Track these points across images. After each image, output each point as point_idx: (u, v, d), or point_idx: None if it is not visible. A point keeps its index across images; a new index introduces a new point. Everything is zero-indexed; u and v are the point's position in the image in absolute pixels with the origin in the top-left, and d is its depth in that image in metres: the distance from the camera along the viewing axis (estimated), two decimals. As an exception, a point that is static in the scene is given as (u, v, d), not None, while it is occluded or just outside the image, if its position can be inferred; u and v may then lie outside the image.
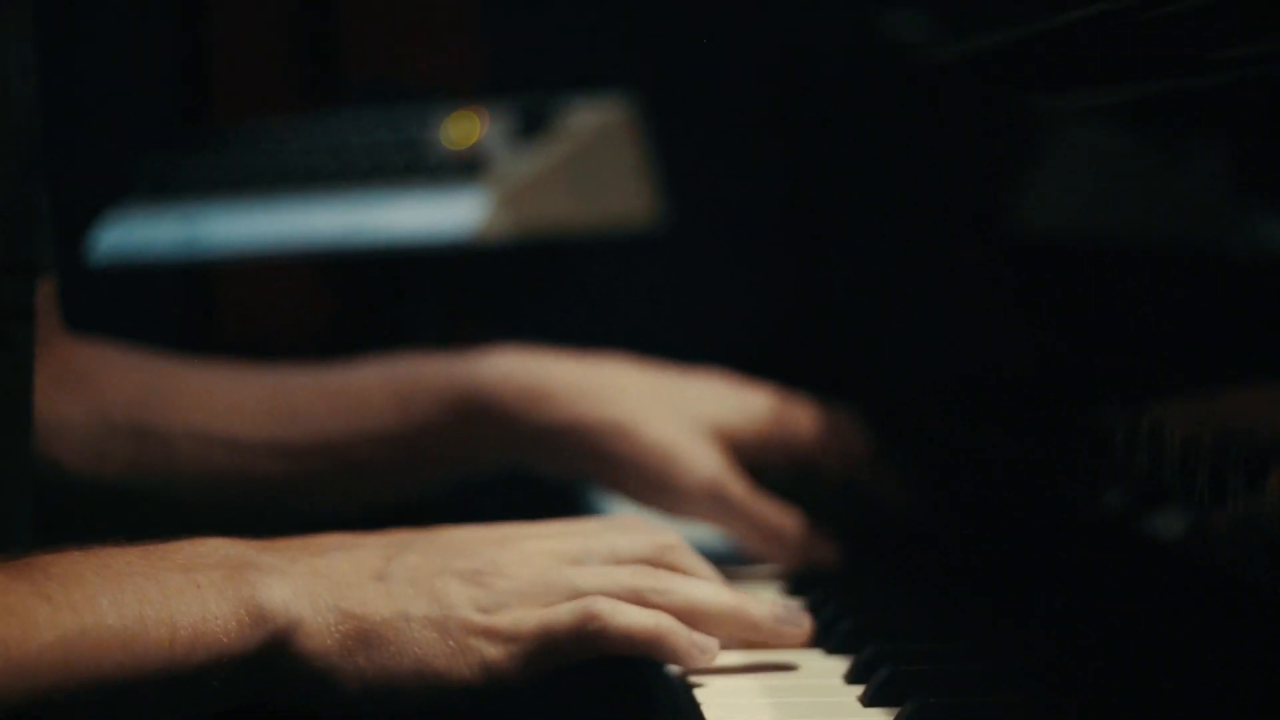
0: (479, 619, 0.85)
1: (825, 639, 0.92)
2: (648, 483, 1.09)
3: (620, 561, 0.90)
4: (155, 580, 0.80)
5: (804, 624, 0.90)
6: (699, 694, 0.84)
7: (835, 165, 1.64)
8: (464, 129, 1.61)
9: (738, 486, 1.08)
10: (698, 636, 0.87)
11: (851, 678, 0.87)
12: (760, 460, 1.12)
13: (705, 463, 1.08)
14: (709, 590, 0.89)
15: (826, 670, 0.89)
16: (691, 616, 0.88)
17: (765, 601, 0.90)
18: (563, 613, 0.85)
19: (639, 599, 0.87)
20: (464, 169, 1.55)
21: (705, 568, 0.93)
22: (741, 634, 0.89)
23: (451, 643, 0.84)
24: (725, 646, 0.89)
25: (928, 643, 0.91)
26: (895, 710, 0.80)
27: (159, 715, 0.80)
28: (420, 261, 1.68)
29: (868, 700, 0.83)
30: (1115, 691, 0.82)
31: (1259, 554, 0.79)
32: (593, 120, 1.62)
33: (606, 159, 1.63)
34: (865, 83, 1.53)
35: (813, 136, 1.71)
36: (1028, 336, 1.15)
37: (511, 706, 0.87)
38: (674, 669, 0.87)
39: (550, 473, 1.14)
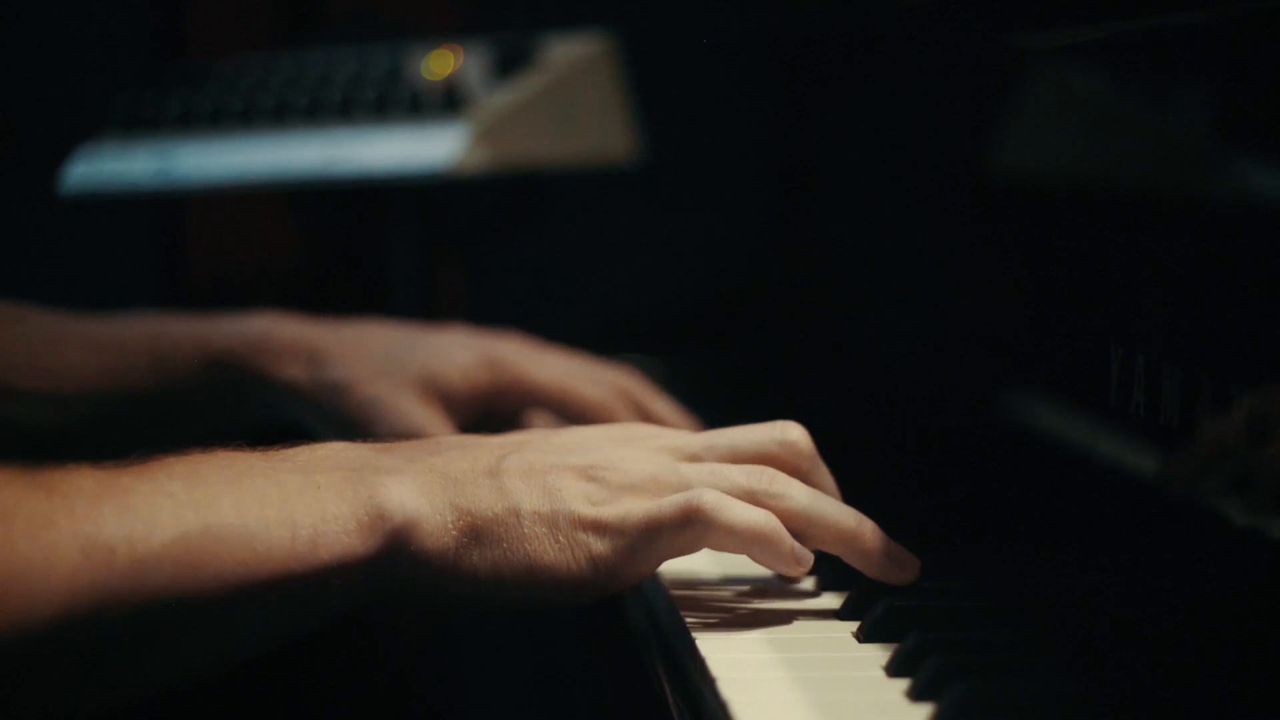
0: (588, 512, 0.84)
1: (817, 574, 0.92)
2: (355, 439, 1.13)
3: (740, 458, 0.89)
4: (276, 481, 0.80)
5: (913, 567, 0.88)
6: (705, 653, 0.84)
7: (812, 102, 1.64)
8: (443, 64, 1.60)
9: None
10: (798, 547, 0.86)
11: (844, 614, 0.88)
12: (495, 408, 1.17)
13: (406, 417, 1.14)
14: (826, 502, 0.87)
15: (823, 608, 0.89)
16: (803, 524, 0.86)
17: (880, 533, 0.88)
18: (667, 505, 0.84)
19: (753, 499, 0.86)
20: (443, 104, 1.54)
21: (827, 476, 0.92)
22: (848, 557, 0.88)
23: (561, 537, 0.84)
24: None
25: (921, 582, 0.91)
26: (892, 646, 0.80)
27: (277, 621, 0.80)
28: (396, 193, 1.68)
29: (864, 636, 0.84)
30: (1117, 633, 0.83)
31: (1261, 497, 0.80)
32: (571, 54, 1.62)
33: (584, 93, 1.62)
34: (843, 21, 1.53)
35: (790, 73, 1.71)
36: (1007, 280, 1.15)
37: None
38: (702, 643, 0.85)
39: (307, 429, 1.18)
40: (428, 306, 1.70)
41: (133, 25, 1.88)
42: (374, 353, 1.17)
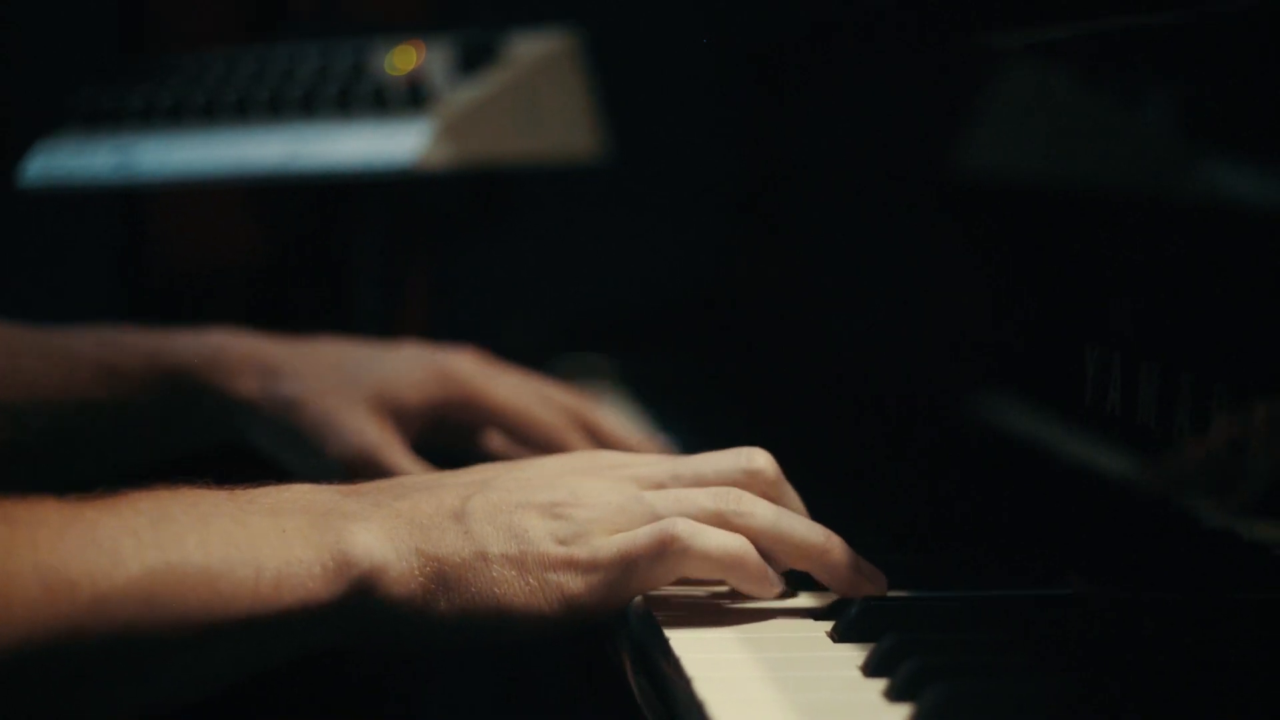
0: (558, 551, 0.84)
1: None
2: (307, 454, 1.14)
3: (705, 485, 0.88)
4: (241, 523, 0.79)
5: (881, 583, 0.88)
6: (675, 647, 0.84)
7: (780, 102, 1.63)
8: (406, 60, 1.59)
9: (391, 454, 1.13)
10: (768, 569, 0.86)
11: (818, 613, 0.87)
12: (446, 423, 1.18)
13: (358, 432, 1.13)
14: (793, 520, 0.87)
15: (796, 607, 0.89)
16: (770, 543, 0.86)
17: (848, 548, 0.88)
18: (641, 536, 0.84)
19: (721, 522, 0.86)
20: (407, 100, 1.53)
21: (795, 497, 0.91)
22: (817, 573, 0.87)
23: (531, 579, 0.83)
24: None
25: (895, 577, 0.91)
26: (867, 646, 0.80)
27: (240, 660, 0.80)
28: (359, 189, 1.67)
29: (839, 636, 0.83)
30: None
31: (1239, 497, 0.80)
32: (536, 51, 1.61)
33: (550, 90, 1.62)
34: (812, 20, 1.52)
35: (758, 72, 1.70)
36: (980, 280, 1.15)
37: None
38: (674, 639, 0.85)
39: (257, 449, 1.18)
40: (390, 303, 1.69)
41: (95, 19, 1.86)
42: (327, 368, 1.17)
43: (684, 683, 0.78)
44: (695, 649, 0.82)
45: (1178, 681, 0.76)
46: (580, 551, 0.84)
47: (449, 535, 0.83)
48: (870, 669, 0.78)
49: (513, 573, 0.83)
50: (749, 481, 0.89)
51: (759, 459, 0.90)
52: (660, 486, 0.88)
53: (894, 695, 0.74)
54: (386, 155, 1.51)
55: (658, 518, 0.85)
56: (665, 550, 0.84)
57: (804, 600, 0.90)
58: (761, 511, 0.86)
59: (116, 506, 0.77)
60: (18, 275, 1.88)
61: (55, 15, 1.84)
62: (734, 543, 0.85)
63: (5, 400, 1.16)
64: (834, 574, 0.87)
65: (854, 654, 0.81)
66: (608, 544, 0.84)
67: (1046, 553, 0.95)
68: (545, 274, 1.70)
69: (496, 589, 0.83)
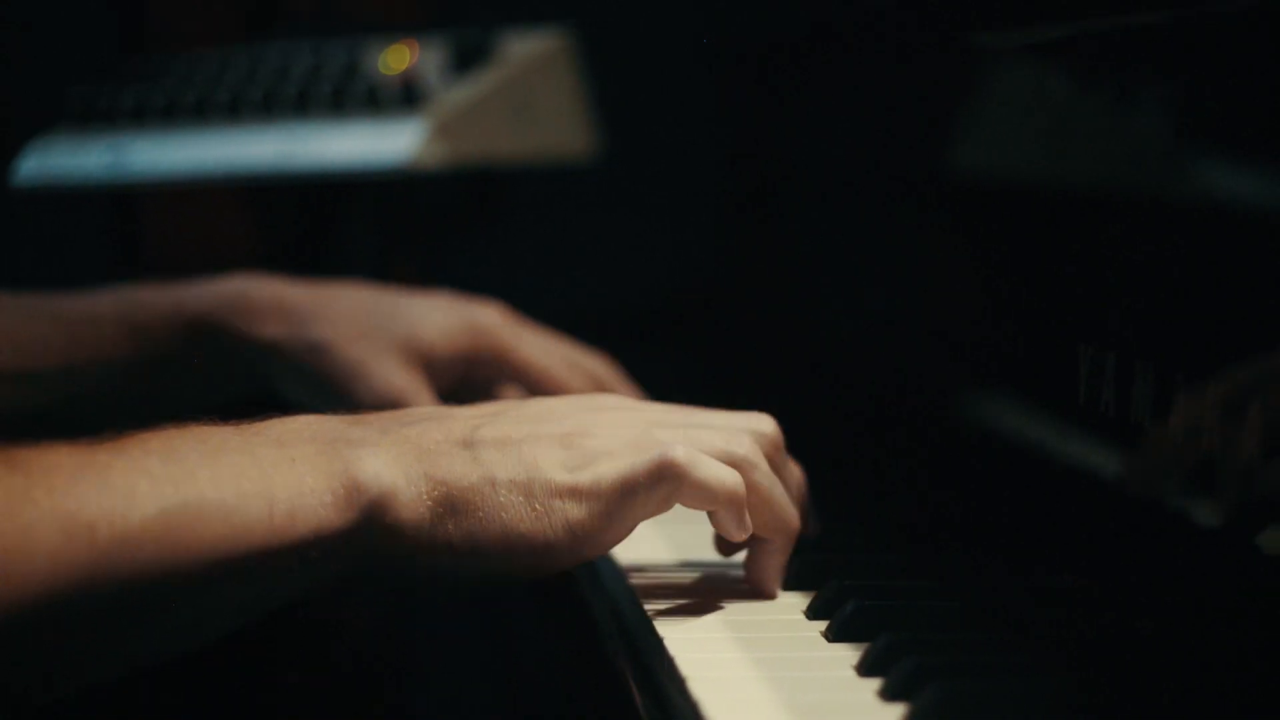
0: (564, 479, 0.84)
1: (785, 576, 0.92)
2: (335, 400, 1.13)
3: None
4: (251, 455, 0.79)
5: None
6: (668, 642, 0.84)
7: (773, 101, 1.63)
8: (399, 59, 1.59)
9: (421, 402, 1.13)
10: (746, 517, 0.87)
11: (811, 612, 0.87)
12: (472, 375, 1.17)
13: (387, 380, 1.13)
14: (782, 490, 0.89)
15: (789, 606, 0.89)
16: (760, 500, 0.88)
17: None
18: (640, 463, 0.85)
19: (728, 460, 0.86)
20: (401, 99, 1.53)
21: (797, 472, 0.93)
22: (773, 545, 0.89)
23: (538, 505, 0.83)
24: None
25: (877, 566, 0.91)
26: (861, 645, 0.80)
27: (258, 594, 0.80)
28: (352, 189, 1.67)
29: (833, 635, 0.83)
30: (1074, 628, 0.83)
31: (1232, 497, 0.80)
32: (530, 50, 1.61)
33: (543, 89, 1.62)
34: (804, 20, 1.52)
35: (751, 71, 1.70)
36: (974, 279, 1.15)
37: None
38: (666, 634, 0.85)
39: (285, 397, 1.17)
40: (383, 303, 1.69)
41: (91, 19, 1.86)
42: (355, 313, 1.16)
43: (678, 682, 0.78)
44: (689, 647, 0.82)
45: (1174, 680, 0.76)
46: (584, 478, 0.84)
47: (457, 461, 0.84)
48: (865, 669, 0.78)
49: (519, 498, 0.83)
50: (757, 441, 0.90)
51: (767, 423, 0.91)
52: (671, 426, 0.89)
53: (889, 695, 0.74)
54: (380, 154, 1.51)
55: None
56: (664, 474, 0.84)
57: (795, 599, 0.90)
58: (764, 466, 0.88)
59: (126, 448, 0.77)
60: (11, 274, 1.87)
61: (50, 14, 1.84)
62: (730, 476, 0.86)
63: (24, 367, 1.15)
64: (771, 556, 0.89)
65: (848, 653, 0.81)
66: (610, 469, 0.85)
67: (1041, 552, 0.95)
68: (539, 273, 1.70)
69: (504, 514, 0.83)
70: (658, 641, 0.83)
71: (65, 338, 1.16)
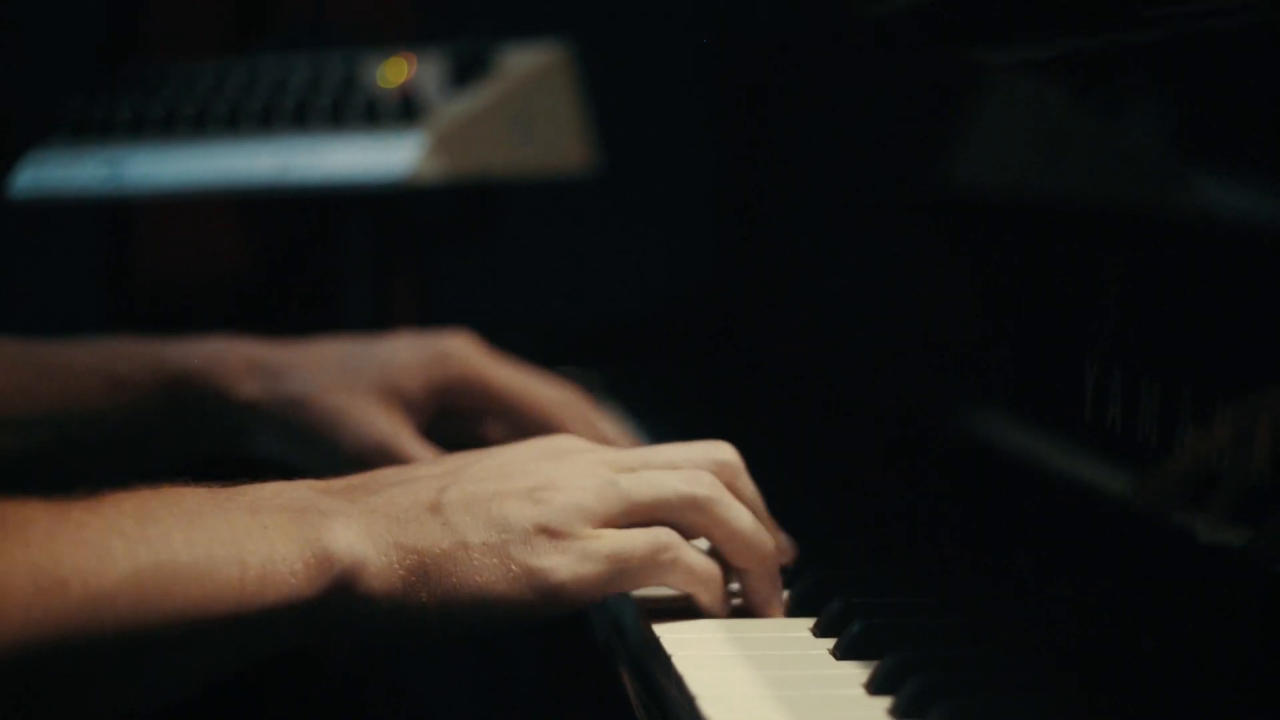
0: (543, 541, 0.84)
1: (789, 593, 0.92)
2: (322, 453, 1.15)
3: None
4: (224, 521, 0.80)
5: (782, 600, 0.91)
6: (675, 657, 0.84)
7: (770, 115, 1.63)
8: (398, 72, 1.59)
9: (404, 442, 1.14)
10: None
11: (817, 630, 0.87)
12: (450, 405, 1.18)
13: (369, 424, 1.14)
14: (753, 520, 0.89)
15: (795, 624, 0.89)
16: (730, 535, 0.88)
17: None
18: (638, 542, 0.85)
19: (692, 505, 0.87)
20: (400, 112, 1.53)
21: (754, 490, 0.92)
22: (748, 577, 0.90)
23: (514, 567, 0.84)
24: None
25: (885, 584, 0.91)
26: (870, 663, 0.80)
27: (225, 656, 0.80)
28: (348, 202, 1.67)
29: (840, 653, 0.83)
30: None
31: (1240, 514, 0.80)
32: (528, 63, 1.61)
33: (541, 102, 1.62)
34: (801, 35, 1.52)
35: (748, 85, 1.71)
36: (979, 295, 1.15)
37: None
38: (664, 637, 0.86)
39: (264, 455, 1.18)
40: (379, 317, 1.69)
41: (82, 28, 1.86)
42: (329, 364, 1.18)
43: (688, 700, 0.78)
44: (698, 665, 0.81)
45: (1182, 698, 0.76)
46: (570, 544, 0.85)
47: (427, 527, 0.84)
48: (875, 687, 0.78)
49: (494, 560, 0.83)
50: (717, 471, 0.90)
51: (726, 451, 0.91)
52: (631, 470, 0.89)
53: (900, 713, 0.74)
54: (380, 168, 1.51)
55: (631, 502, 0.86)
56: (657, 559, 0.86)
57: (800, 619, 0.90)
58: (728, 499, 0.88)
59: (100, 507, 0.77)
60: (6, 287, 1.87)
61: (42, 24, 1.84)
62: (714, 567, 0.88)
63: (8, 415, 1.16)
64: (761, 582, 0.89)
65: (856, 671, 0.80)
66: (601, 542, 0.85)
67: (1047, 569, 0.95)
68: (535, 286, 1.70)
69: (478, 577, 0.83)
70: (666, 659, 0.83)
71: (45, 386, 1.17)
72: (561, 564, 0.84)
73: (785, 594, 0.92)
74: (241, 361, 1.17)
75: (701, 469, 0.89)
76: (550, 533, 0.84)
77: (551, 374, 1.24)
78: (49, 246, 1.85)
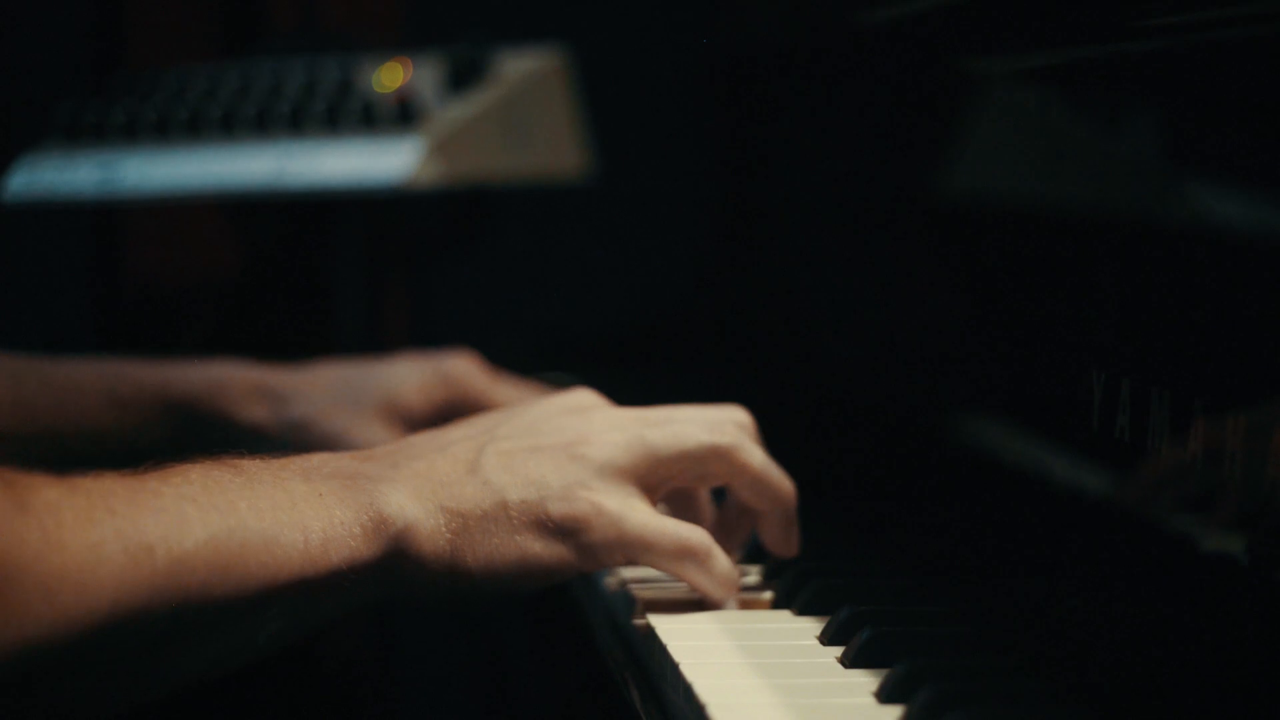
0: (577, 497, 0.88)
1: (794, 601, 0.92)
2: None
3: None
4: (283, 488, 0.82)
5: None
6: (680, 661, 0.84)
7: (765, 122, 1.63)
8: (393, 77, 1.59)
9: None
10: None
11: (825, 638, 0.87)
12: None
13: (372, 446, 1.17)
14: (775, 466, 0.94)
15: (802, 631, 0.89)
16: (755, 481, 0.93)
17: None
18: (669, 536, 0.88)
19: (716, 455, 0.91)
20: (397, 117, 1.53)
21: (767, 455, 0.95)
22: (771, 521, 0.94)
23: (550, 524, 0.87)
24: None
25: (891, 591, 0.91)
26: (879, 672, 0.80)
27: (294, 620, 0.82)
28: (342, 207, 1.67)
29: (849, 661, 0.83)
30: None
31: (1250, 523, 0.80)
32: (524, 68, 1.61)
33: (537, 108, 1.61)
34: (796, 45, 1.52)
35: (743, 92, 1.70)
36: (983, 305, 1.15)
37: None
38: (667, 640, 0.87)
39: None
40: (372, 320, 1.68)
41: (74, 32, 1.86)
42: (331, 387, 1.21)
43: (696, 709, 0.78)
44: (705, 673, 0.81)
45: (1195, 708, 0.76)
46: (605, 510, 0.88)
47: (469, 489, 0.87)
48: (885, 696, 0.77)
49: (531, 519, 0.87)
50: (739, 427, 0.94)
51: (741, 414, 0.95)
52: (656, 425, 0.92)
53: (910, 723, 0.74)
54: (376, 173, 1.50)
55: (659, 454, 0.90)
56: (685, 557, 0.89)
57: (808, 624, 0.90)
58: (750, 447, 0.93)
59: (171, 477, 0.79)
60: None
61: (35, 28, 1.83)
62: (734, 571, 0.91)
63: (11, 430, 1.17)
64: (779, 525, 0.94)
65: (866, 679, 0.80)
66: (635, 520, 0.88)
67: (1054, 578, 0.95)
68: (530, 291, 1.70)
69: (518, 537, 0.87)
70: (673, 666, 0.83)
71: (50, 403, 1.19)
72: (597, 531, 0.87)
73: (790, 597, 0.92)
74: (245, 386, 1.20)
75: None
76: (586, 488, 0.88)
77: (552, 390, 1.24)
78: (42, 250, 1.84)
